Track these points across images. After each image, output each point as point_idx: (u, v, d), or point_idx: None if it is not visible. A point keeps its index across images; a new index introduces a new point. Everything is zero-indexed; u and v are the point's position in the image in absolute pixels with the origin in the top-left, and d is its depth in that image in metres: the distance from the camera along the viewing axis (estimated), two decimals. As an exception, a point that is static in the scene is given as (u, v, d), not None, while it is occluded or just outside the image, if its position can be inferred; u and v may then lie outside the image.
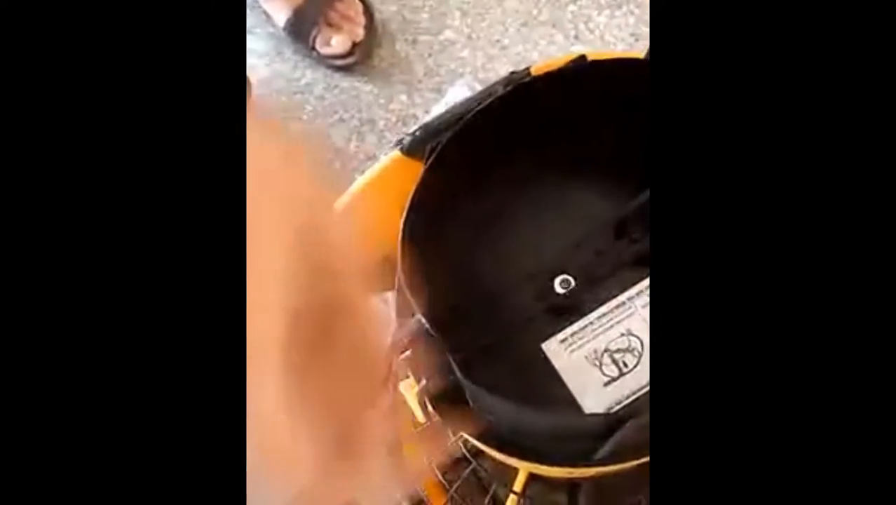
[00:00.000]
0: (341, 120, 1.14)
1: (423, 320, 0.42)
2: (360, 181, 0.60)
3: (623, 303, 0.47)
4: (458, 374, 0.42)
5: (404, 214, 0.46)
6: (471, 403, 0.45)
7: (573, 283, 0.47)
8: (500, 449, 0.47)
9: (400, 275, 0.44)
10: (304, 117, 1.18)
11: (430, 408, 0.47)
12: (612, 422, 0.42)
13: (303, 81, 1.19)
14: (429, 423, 0.51)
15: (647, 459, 0.47)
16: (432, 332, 0.42)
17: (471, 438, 0.48)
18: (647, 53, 0.50)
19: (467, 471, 0.75)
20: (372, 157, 1.09)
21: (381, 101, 1.17)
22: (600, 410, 0.45)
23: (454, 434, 0.52)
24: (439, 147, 0.46)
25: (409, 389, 0.50)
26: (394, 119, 1.13)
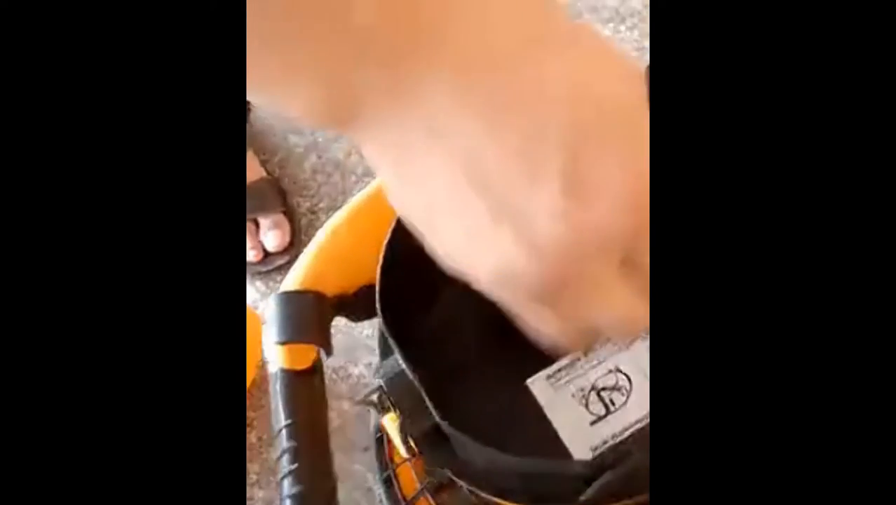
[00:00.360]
0: (341, 134, 1.13)
1: (401, 360, 0.41)
2: (347, 207, 0.59)
3: (609, 338, 0.46)
4: (436, 416, 0.41)
5: (384, 247, 0.45)
6: (452, 442, 0.44)
7: (559, 318, 0.46)
8: (482, 488, 0.46)
9: (378, 311, 0.43)
10: (305, 130, 1.17)
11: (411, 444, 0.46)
12: (596, 467, 0.41)
13: (303, 94, 1.19)
14: (412, 457, 0.50)
15: (632, 500, 0.46)
16: (410, 372, 0.41)
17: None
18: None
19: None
20: (370, 173, 1.08)
21: (382, 115, 1.17)
22: (585, 449, 0.44)
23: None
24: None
25: (392, 424, 0.49)
26: (394, 133, 1.13)
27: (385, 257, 0.44)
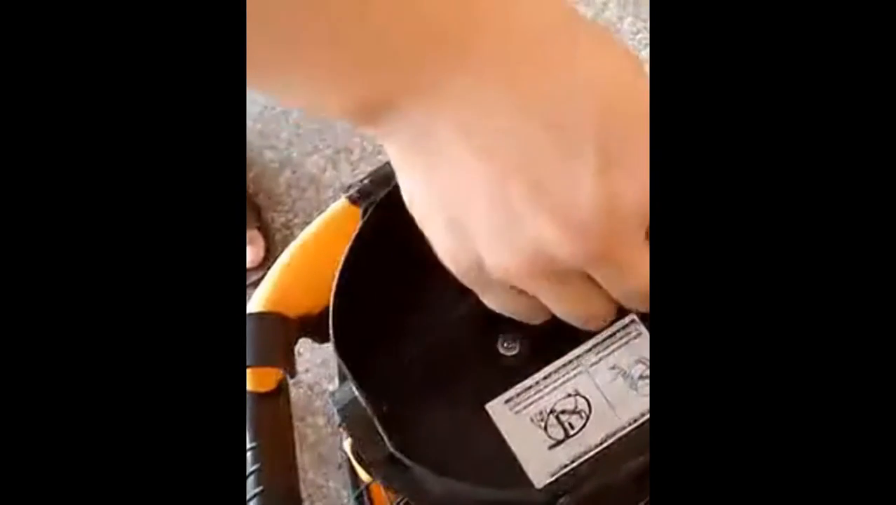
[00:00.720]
0: (316, 149, 1.13)
1: (354, 386, 0.41)
2: (311, 227, 0.59)
3: (570, 361, 0.46)
4: (390, 445, 0.40)
5: (339, 270, 0.44)
6: (408, 468, 0.44)
7: (517, 342, 0.46)
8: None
9: (332, 336, 0.42)
10: (280, 145, 1.17)
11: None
12: (552, 493, 0.40)
13: (278, 109, 1.18)
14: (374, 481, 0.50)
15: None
16: (363, 400, 0.40)
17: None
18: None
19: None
20: (345, 189, 1.08)
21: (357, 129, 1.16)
22: (544, 473, 0.44)
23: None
24: (373, 206, 0.45)
25: (351, 450, 0.49)
26: (369, 148, 1.12)
27: (339, 280, 0.44)
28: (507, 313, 0.37)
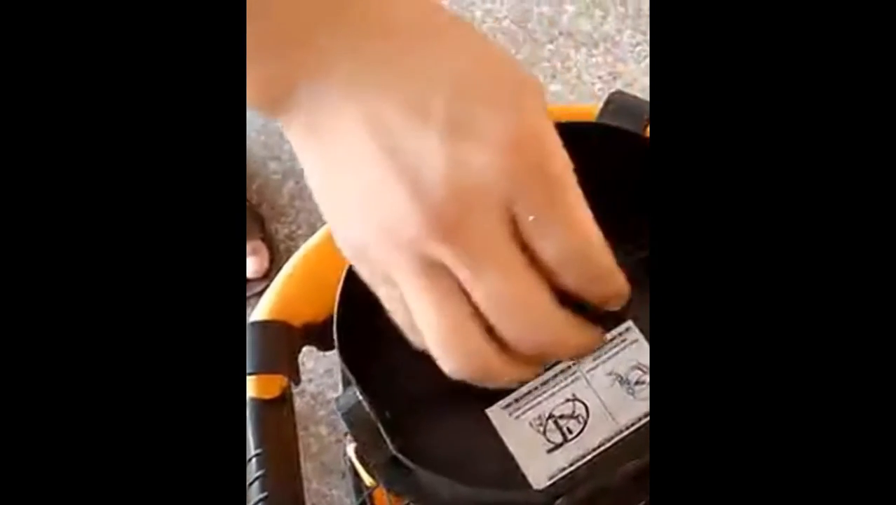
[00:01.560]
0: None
1: (358, 391, 0.42)
2: (317, 235, 0.60)
3: (568, 367, 0.47)
4: (392, 448, 0.41)
5: (343, 277, 0.45)
6: (411, 471, 0.45)
7: (517, 348, 0.47)
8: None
9: (336, 342, 0.43)
10: (283, 157, 1.18)
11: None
12: (551, 496, 0.41)
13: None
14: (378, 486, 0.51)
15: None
16: (366, 403, 0.41)
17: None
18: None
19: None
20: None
21: (359, 141, 1.17)
22: (543, 477, 0.45)
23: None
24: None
25: (356, 455, 0.50)
26: (371, 159, 1.14)
27: (343, 287, 0.45)
28: (401, 326, 0.35)
